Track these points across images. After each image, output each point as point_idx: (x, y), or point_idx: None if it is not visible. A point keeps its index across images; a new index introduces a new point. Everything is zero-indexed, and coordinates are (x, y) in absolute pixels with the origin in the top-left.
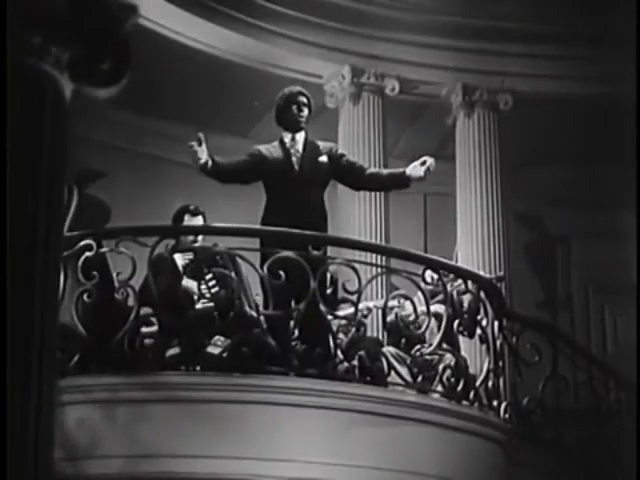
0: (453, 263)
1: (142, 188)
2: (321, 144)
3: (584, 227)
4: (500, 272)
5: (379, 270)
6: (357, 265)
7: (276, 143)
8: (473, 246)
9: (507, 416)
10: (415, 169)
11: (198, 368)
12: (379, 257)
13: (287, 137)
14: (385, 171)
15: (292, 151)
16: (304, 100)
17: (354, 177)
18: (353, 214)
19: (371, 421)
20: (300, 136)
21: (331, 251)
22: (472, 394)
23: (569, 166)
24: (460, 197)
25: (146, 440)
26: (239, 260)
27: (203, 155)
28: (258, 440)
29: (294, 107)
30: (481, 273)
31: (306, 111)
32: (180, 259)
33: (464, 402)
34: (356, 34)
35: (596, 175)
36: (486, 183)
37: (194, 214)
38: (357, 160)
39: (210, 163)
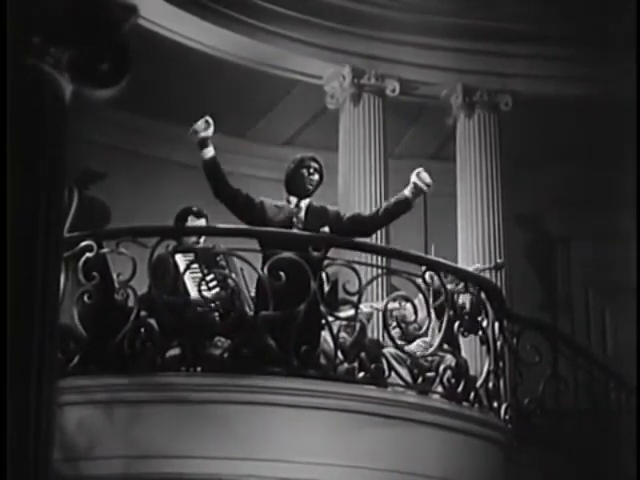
0: (453, 264)
1: (142, 188)
2: (323, 208)
3: (584, 228)
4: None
5: (379, 271)
6: (357, 266)
7: (281, 203)
8: (473, 246)
9: (507, 417)
10: (418, 177)
11: (198, 369)
12: (379, 258)
13: (293, 202)
14: (387, 203)
15: (294, 220)
16: (315, 165)
17: (362, 230)
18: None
19: (371, 422)
20: (305, 203)
21: (331, 251)
22: (472, 395)
23: (569, 166)
24: (460, 197)
25: (146, 441)
26: (239, 261)
27: (209, 142)
28: (259, 441)
29: (304, 170)
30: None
31: (316, 176)
32: (181, 260)
33: (464, 403)
34: (357, 35)
35: (596, 175)
36: (486, 183)
37: (198, 216)
38: (359, 210)
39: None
